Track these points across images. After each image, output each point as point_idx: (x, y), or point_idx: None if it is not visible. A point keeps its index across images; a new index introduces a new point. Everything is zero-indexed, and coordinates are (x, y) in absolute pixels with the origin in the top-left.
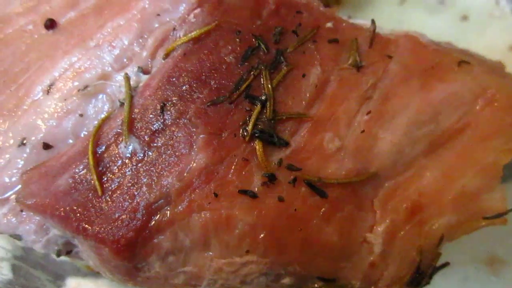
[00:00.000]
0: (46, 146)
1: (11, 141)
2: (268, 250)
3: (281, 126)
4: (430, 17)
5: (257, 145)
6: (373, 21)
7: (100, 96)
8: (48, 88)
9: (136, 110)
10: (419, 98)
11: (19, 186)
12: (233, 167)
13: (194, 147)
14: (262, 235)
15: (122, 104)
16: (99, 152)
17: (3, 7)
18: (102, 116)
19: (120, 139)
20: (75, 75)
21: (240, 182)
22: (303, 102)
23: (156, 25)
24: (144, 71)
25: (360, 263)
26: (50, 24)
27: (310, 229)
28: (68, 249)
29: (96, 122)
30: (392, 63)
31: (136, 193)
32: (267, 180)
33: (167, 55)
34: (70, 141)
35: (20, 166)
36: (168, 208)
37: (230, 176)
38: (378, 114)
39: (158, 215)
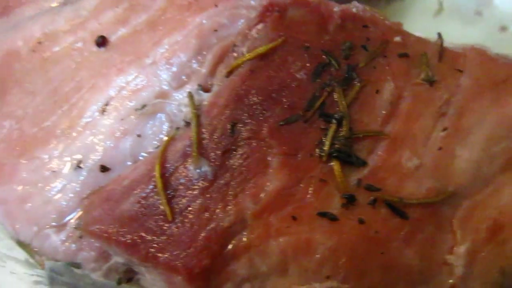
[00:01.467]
0: (104, 169)
1: (67, 164)
2: (349, 275)
3: (358, 145)
4: (466, 28)
5: (335, 165)
6: (439, 35)
7: (159, 116)
8: (104, 107)
9: (204, 130)
10: (494, 113)
11: (77, 211)
12: (310, 189)
13: (270, 168)
14: (343, 260)
15: (187, 124)
16: (167, 175)
17: (48, 25)
18: (162, 136)
19: (189, 160)
20: (132, 94)
21: (318, 204)
22: (379, 119)
23: (214, 41)
24: (204, 88)
25: (440, 286)
26: (102, 42)
27: (391, 252)
28: (129, 277)
29: (155, 143)
30: (463, 78)
31: (209, 217)
32: (346, 201)
33: (230, 72)
34: (128, 163)
35: (77, 190)
36: (244, 233)
37: (308, 198)
38: (454, 130)
39: (234, 241)
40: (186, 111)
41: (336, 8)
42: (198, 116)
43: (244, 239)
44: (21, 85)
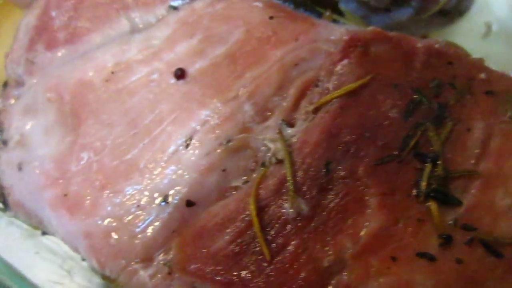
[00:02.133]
0: (189, 204)
1: (152, 198)
2: None
3: (452, 184)
4: None
5: (432, 205)
6: None
7: (244, 151)
8: (187, 141)
9: (297, 168)
10: None
11: (165, 247)
12: (409, 229)
13: (368, 208)
14: None
15: (278, 161)
16: (261, 213)
17: (120, 54)
18: (248, 172)
19: (284, 198)
20: (215, 128)
21: (417, 244)
22: (471, 158)
23: (296, 75)
24: (289, 123)
25: None
26: (181, 74)
27: None
28: None
29: (243, 178)
30: None
31: (307, 257)
32: (444, 241)
33: (317, 109)
34: (214, 197)
35: (163, 225)
36: (344, 273)
37: (406, 238)
38: None
39: (333, 281)
40: (275, 148)
41: (419, 44)
42: (290, 154)
43: (344, 279)
44: (97, 116)
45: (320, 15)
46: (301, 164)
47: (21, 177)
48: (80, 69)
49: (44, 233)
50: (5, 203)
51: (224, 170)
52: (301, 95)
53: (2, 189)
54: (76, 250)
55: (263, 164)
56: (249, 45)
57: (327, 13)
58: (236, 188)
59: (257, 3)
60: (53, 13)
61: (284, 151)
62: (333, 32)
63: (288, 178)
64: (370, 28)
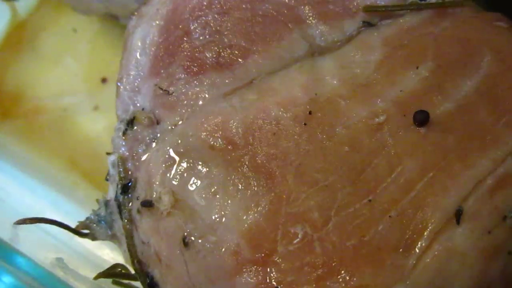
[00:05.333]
0: None
1: None
2: None
3: None
4: None
5: None
6: None
7: None
8: (457, 214)
9: None
10: None
11: None
12: None
13: None
14: None
15: None
16: None
17: (314, 86)
18: None
19: None
20: (494, 195)
21: None
22: None
23: None
24: None
25: None
26: (424, 118)
27: None
28: None
29: None
30: None
31: None
32: None
33: None
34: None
35: None
36: None
37: None
38: None
39: None
40: None
41: None
42: None
43: None
44: (304, 173)
45: None
46: None
47: (189, 256)
48: (256, 105)
49: None
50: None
51: (510, 253)
52: None
53: (146, 269)
54: None
55: None
56: (507, 79)
57: None
58: None
59: (500, 23)
60: (189, 26)
61: None
62: None
63: None
64: None
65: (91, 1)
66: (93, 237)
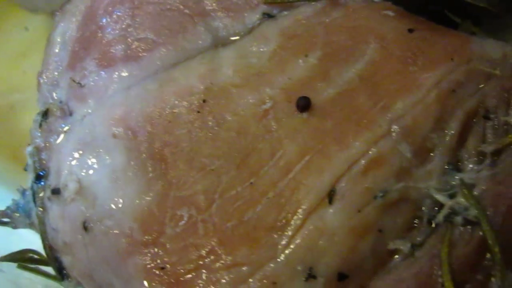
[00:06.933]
0: (342, 277)
1: (293, 274)
2: None
3: None
4: None
5: None
6: None
7: (402, 204)
8: (330, 194)
9: (498, 234)
10: None
11: None
12: None
13: None
14: None
15: (465, 222)
16: None
17: (210, 76)
18: (414, 234)
19: (487, 275)
20: (364, 176)
21: None
22: None
23: (454, 105)
24: (457, 167)
25: None
26: (306, 104)
27: None
28: None
29: (406, 240)
30: None
31: None
32: None
33: (500, 151)
34: (369, 267)
35: None
36: None
37: None
38: None
39: None
40: (451, 202)
41: None
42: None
43: None
44: (193, 159)
45: (456, 26)
46: (502, 226)
47: (88, 240)
48: (155, 95)
49: None
50: (60, 272)
51: (380, 231)
52: (466, 129)
53: (55, 255)
54: None
55: (429, 222)
56: (388, 66)
57: (466, 23)
58: (395, 252)
59: (388, 12)
60: (103, 21)
61: (479, 210)
62: (488, 49)
63: (493, 246)
64: None
65: None
66: (14, 226)
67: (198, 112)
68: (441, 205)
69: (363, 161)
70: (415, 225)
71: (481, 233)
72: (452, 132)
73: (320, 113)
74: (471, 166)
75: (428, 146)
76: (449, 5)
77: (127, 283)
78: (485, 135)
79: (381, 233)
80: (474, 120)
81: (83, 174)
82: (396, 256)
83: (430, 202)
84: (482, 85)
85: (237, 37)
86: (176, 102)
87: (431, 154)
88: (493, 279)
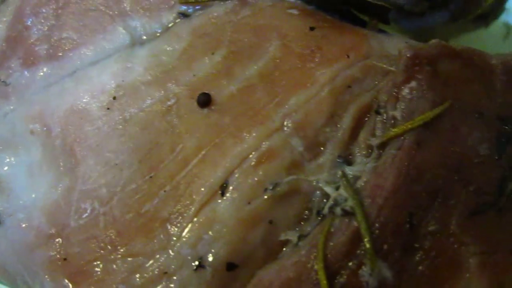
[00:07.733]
0: (231, 267)
1: (183, 263)
2: None
3: None
4: None
5: None
6: None
7: (293, 197)
8: (223, 187)
9: (372, 221)
10: None
11: None
12: None
13: (465, 271)
14: None
15: (344, 213)
16: (332, 282)
17: (121, 74)
18: (304, 225)
19: (360, 262)
20: (257, 169)
21: None
22: None
23: (349, 100)
24: (346, 160)
25: None
26: (206, 100)
27: None
28: None
29: (296, 231)
30: None
31: None
32: None
33: (384, 144)
34: (259, 257)
35: None
36: None
37: None
38: None
39: None
40: (336, 194)
41: (494, 60)
42: (362, 205)
43: None
44: (99, 154)
45: (364, 24)
46: (377, 217)
47: (1, 233)
48: (71, 93)
49: None
50: None
51: (271, 222)
52: (358, 124)
53: None
54: None
55: (318, 213)
56: (288, 63)
57: (373, 22)
58: (286, 243)
59: (292, 10)
60: (29, 21)
61: (355, 202)
62: (387, 46)
63: (365, 236)
64: (433, 41)
65: None
66: None
67: (108, 108)
68: (329, 197)
69: (255, 155)
70: (305, 216)
71: (356, 223)
72: (345, 126)
73: (220, 108)
74: (360, 159)
75: (321, 140)
76: (357, 4)
77: (35, 275)
78: (375, 129)
79: (272, 225)
80: (368, 115)
81: (3, 170)
82: (286, 247)
83: (320, 194)
84: (378, 81)
85: (154, 36)
86: (89, 99)
87: (323, 148)
88: (363, 267)
